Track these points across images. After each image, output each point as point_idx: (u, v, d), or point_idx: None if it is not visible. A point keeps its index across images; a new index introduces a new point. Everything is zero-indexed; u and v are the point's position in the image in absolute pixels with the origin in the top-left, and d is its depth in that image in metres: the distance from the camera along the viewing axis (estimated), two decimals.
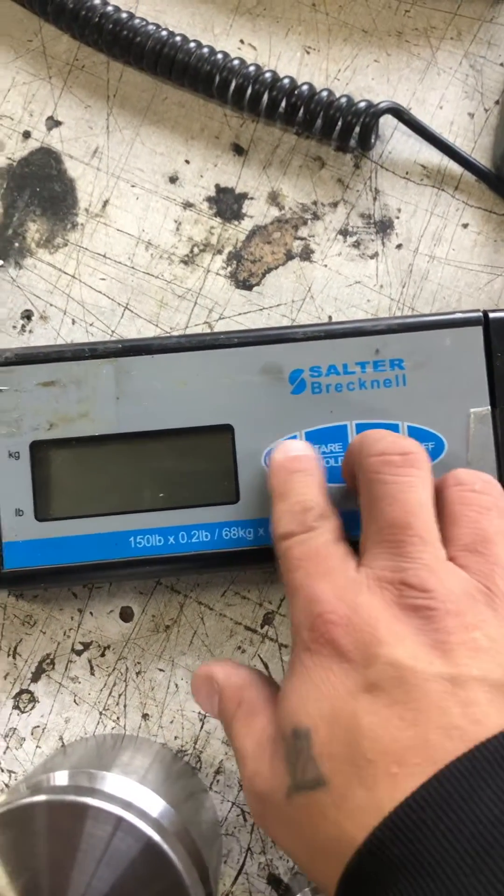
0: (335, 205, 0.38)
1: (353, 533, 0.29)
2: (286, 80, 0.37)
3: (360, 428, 0.33)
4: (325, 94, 0.37)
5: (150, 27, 0.37)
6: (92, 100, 0.39)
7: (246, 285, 0.38)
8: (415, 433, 0.33)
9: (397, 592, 0.26)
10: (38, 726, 0.36)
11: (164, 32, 0.37)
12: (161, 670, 0.36)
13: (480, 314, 0.33)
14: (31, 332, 0.37)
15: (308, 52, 0.39)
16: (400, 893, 0.21)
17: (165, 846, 0.26)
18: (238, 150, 0.38)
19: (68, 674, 0.36)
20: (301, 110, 0.37)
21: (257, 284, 0.38)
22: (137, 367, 0.33)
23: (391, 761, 0.23)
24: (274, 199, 0.38)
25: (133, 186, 0.38)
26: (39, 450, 0.33)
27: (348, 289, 0.37)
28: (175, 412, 0.33)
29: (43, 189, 0.38)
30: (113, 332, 0.37)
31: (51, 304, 0.38)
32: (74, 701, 0.36)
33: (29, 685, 0.36)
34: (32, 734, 0.36)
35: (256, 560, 0.33)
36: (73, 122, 0.38)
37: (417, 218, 0.38)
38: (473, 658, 0.24)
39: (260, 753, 0.26)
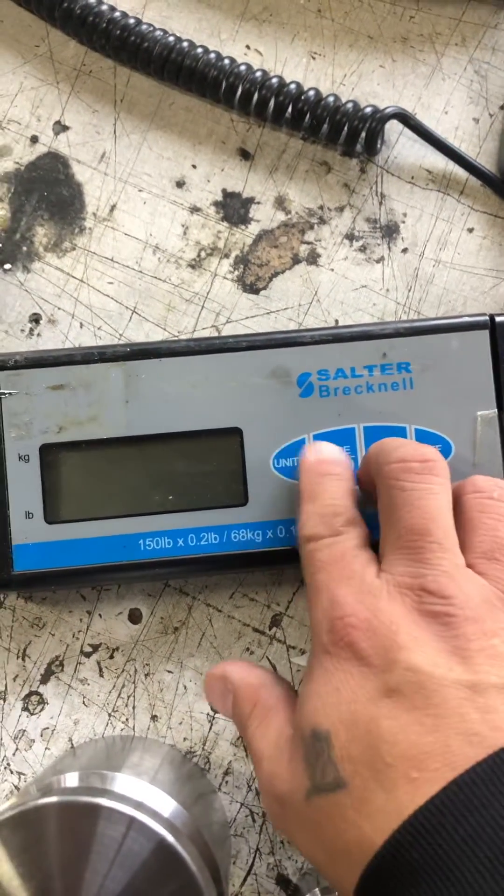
0: (341, 209, 0.38)
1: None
2: (293, 86, 0.37)
3: (368, 431, 0.33)
4: (331, 99, 0.37)
5: (158, 32, 0.37)
6: (99, 105, 0.39)
7: (253, 289, 0.38)
8: (422, 436, 0.33)
9: (417, 598, 0.26)
10: (48, 728, 0.36)
11: (171, 38, 0.37)
12: (169, 672, 0.36)
13: (487, 318, 0.34)
14: (39, 335, 0.38)
15: (314, 58, 0.39)
16: None
17: (178, 846, 0.27)
18: (245, 154, 0.39)
19: (77, 675, 0.36)
20: (307, 115, 0.37)
21: (264, 288, 0.38)
22: (146, 371, 0.33)
23: (411, 766, 0.23)
24: (280, 203, 0.38)
25: (140, 191, 0.38)
26: (49, 453, 0.33)
27: (354, 293, 0.38)
28: (184, 415, 0.33)
29: (51, 193, 0.38)
30: (121, 335, 0.38)
31: (59, 308, 0.38)
32: (83, 703, 0.36)
33: (38, 687, 0.36)
34: (42, 736, 0.36)
35: (265, 562, 0.33)
36: (81, 126, 0.39)
37: (423, 222, 0.38)
38: (492, 664, 0.24)
39: (277, 755, 0.26)
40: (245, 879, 0.35)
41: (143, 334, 0.38)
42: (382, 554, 0.28)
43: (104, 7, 0.38)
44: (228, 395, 0.33)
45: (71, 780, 0.30)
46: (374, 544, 0.29)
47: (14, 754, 0.36)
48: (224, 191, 0.38)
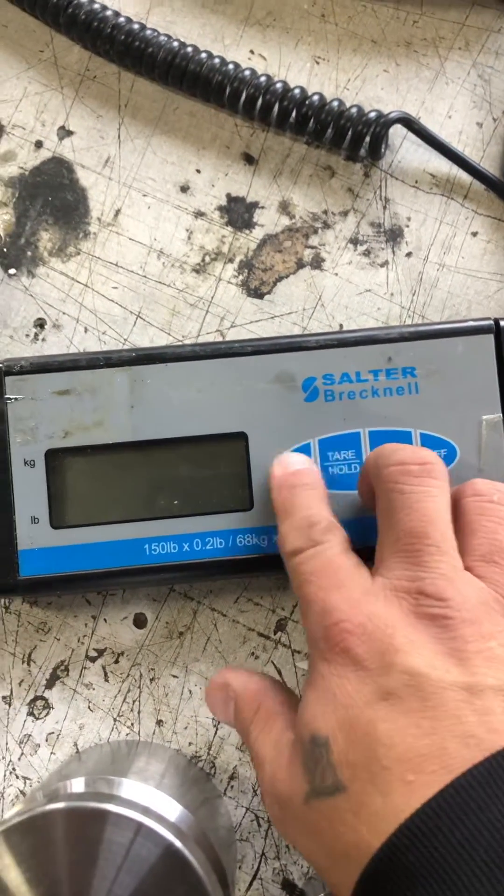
0: (345, 214, 0.38)
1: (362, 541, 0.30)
2: (297, 91, 0.37)
3: (373, 435, 0.33)
4: (335, 103, 0.37)
5: (162, 38, 0.37)
6: (103, 110, 0.39)
7: (257, 294, 0.38)
8: (427, 440, 0.33)
9: (414, 601, 0.26)
10: (53, 733, 0.36)
11: (175, 43, 0.37)
12: (175, 676, 0.36)
13: (492, 322, 0.34)
14: (43, 340, 0.38)
15: (318, 63, 0.39)
16: None
17: (185, 851, 0.27)
18: (249, 159, 0.39)
19: (82, 680, 0.36)
20: (312, 120, 0.37)
21: (268, 293, 0.38)
22: (152, 376, 0.33)
23: (407, 769, 0.23)
24: (284, 208, 0.38)
25: (145, 196, 0.38)
26: (55, 458, 0.33)
27: (359, 297, 0.38)
28: (189, 420, 0.33)
29: (55, 198, 0.38)
30: (125, 340, 0.38)
31: (63, 313, 0.38)
32: (89, 707, 0.36)
33: (43, 692, 0.36)
34: (47, 740, 0.36)
35: (270, 567, 0.33)
36: (85, 131, 0.39)
37: (427, 226, 0.38)
38: (490, 667, 0.24)
39: (278, 758, 0.26)
40: (251, 884, 0.35)
41: (148, 339, 0.38)
42: (380, 557, 0.28)
43: (108, 12, 0.38)
44: (233, 400, 0.33)
45: (77, 785, 0.30)
46: (357, 551, 0.29)
47: (20, 759, 0.36)
48: (228, 195, 0.38)
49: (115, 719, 0.36)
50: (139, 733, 0.36)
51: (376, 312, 0.38)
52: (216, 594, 0.36)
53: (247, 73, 0.37)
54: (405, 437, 0.33)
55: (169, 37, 0.38)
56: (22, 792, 0.36)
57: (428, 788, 0.23)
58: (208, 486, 0.33)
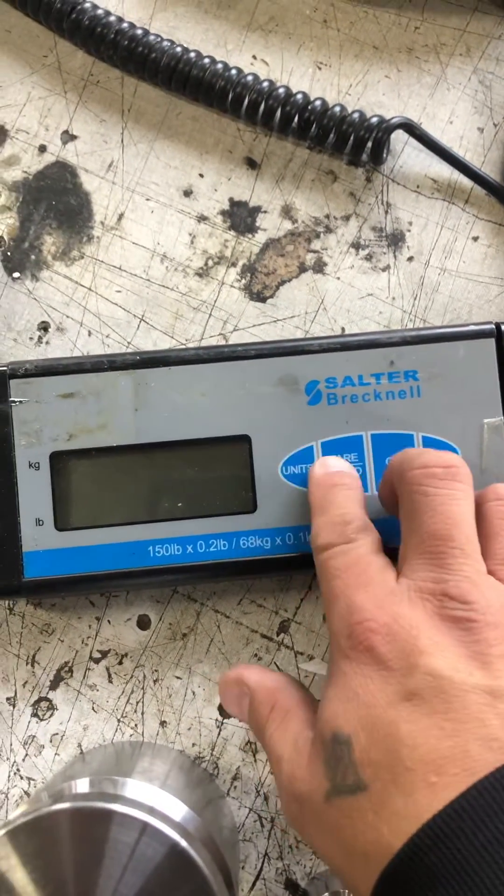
0: (347, 218, 0.38)
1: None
2: (299, 96, 0.37)
3: (376, 438, 0.34)
4: (337, 109, 0.37)
5: (165, 43, 0.38)
6: (107, 114, 0.39)
7: (260, 297, 0.38)
8: (429, 443, 0.33)
9: (438, 603, 0.26)
10: (57, 734, 0.36)
11: (178, 48, 0.38)
12: (178, 678, 0.36)
13: (493, 326, 0.34)
14: (47, 343, 0.38)
15: (320, 68, 0.39)
16: None
17: (191, 851, 0.27)
18: (251, 163, 0.39)
19: (86, 681, 0.36)
20: (314, 125, 0.37)
21: (271, 297, 0.38)
22: (155, 379, 0.34)
23: (430, 770, 0.23)
24: (287, 212, 0.39)
25: (148, 200, 0.39)
26: (59, 460, 0.34)
27: (361, 301, 0.38)
28: (193, 423, 0.34)
29: (59, 202, 0.39)
30: (129, 343, 0.38)
31: (67, 316, 0.38)
32: (93, 708, 0.36)
33: (47, 693, 0.36)
34: (51, 741, 0.36)
35: (273, 569, 0.34)
36: (89, 136, 0.39)
37: (428, 231, 0.38)
38: None
39: (297, 756, 0.27)
40: (254, 884, 0.35)
41: (151, 342, 0.38)
42: (403, 559, 0.28)
43: (112, 18, 0.38)
44: (237, 403, 0.34)
45: (82, 785, 0.30)
46: (388, 552, 0.29)
47: (24, 760, 0.36)
48: (231, 200, 0.39)
49: (118, 720, 0.36)
50: (143, 734, 0.36)
51: (378, 316, 0.38)
52: (219, 596, 0.37)
53: (249, 78, 0.37)
54: (407, 441, 0.33)
55: (172, 42, 0.38)
56: (26, 793, 0.36)
57: (450, 790, 0.23)
58: (212, 488, 0.34)
